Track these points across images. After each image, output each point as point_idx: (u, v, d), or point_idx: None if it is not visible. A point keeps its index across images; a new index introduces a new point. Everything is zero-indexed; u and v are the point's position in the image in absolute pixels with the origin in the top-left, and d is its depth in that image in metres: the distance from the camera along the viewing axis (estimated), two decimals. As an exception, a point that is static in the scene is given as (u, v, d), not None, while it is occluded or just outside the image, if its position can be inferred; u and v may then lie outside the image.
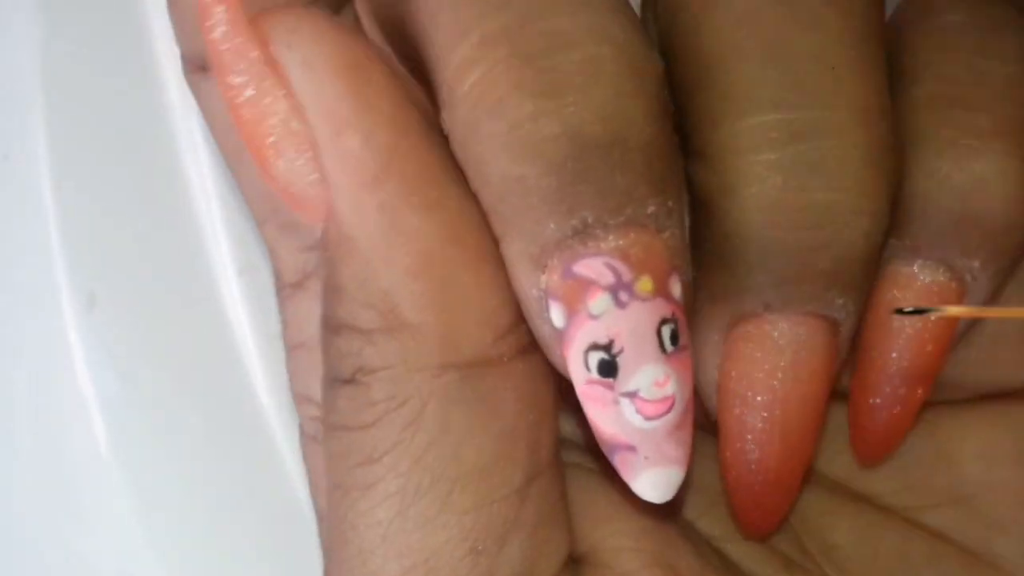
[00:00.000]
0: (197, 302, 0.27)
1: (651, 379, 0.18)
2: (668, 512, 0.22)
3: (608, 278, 0.18)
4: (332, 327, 0.19)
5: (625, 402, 0.18)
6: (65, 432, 0.27)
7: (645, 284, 0.18)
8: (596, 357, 0.18)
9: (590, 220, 0.18)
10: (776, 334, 0.20)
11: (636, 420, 0.18)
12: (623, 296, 0.18)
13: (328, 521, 0.19)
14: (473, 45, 0.18)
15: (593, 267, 0.18)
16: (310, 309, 0.23)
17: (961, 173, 0.20)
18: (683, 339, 0.18)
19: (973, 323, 0.22)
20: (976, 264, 0.21)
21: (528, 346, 0.19)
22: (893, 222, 0.20)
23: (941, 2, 0.22)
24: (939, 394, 0.23)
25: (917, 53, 0.21)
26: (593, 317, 0.18)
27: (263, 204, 0.23)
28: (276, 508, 0.27)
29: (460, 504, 0.18)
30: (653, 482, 0.18)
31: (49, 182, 0.26)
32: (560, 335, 0.18)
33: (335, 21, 0.18)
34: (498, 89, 0.17)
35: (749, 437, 0.21)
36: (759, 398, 0.21)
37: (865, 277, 0.20)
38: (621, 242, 0.18)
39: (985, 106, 0.20)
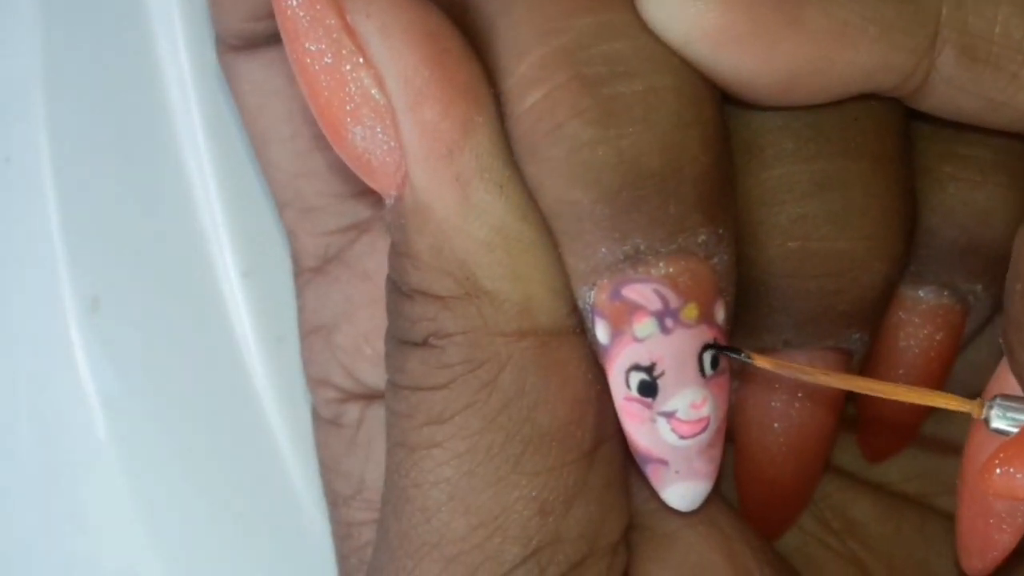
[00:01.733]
0: (200, 304, 0.27)
1: (689, 401, 0.18)
2: None
3: (656, 304, 0.18)
4: (404, 292, 0.19)
5: (662, 420, 0.18)
6: (67, 433, 0.27)
7: (691, 311, 0.18)
8: (637, 377, 0.18)
9: (642, 247, 0.18)
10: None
11: (671, 438, 0.19)
12: (669, 322, 0.18)
13: (389, 479, 0.20)
14: (533, 65, 0.18)
15: (642, 292, 0.18)
16: (329, 293, 0.23)
17: (965, 207, 0.21)
18: (723, 363, 0.19)
19: (978, 331, 0.23)
20: (979, 287, 0.22)
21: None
22: None
23: None
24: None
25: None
26: (638, 340, 0.18)
27: (286, 188, 0.23)
28: (276, 508, 0.27)
29: (531, 465, 0.19)
30: (681, 494, 0.19)
31: (52, 185, 0.26)
32: (604, 350, 0.19)
33: None
34: (558, 114, 0.18)
35: (765, 458, 0.22)
36: (776, 425, 0.22)
37: (881, 311, 0.21)
38: (671, 269, 0.18)
39: (985, 138, 0.21)
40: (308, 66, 0.18)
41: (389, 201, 0.19)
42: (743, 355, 0.19)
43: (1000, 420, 0.18)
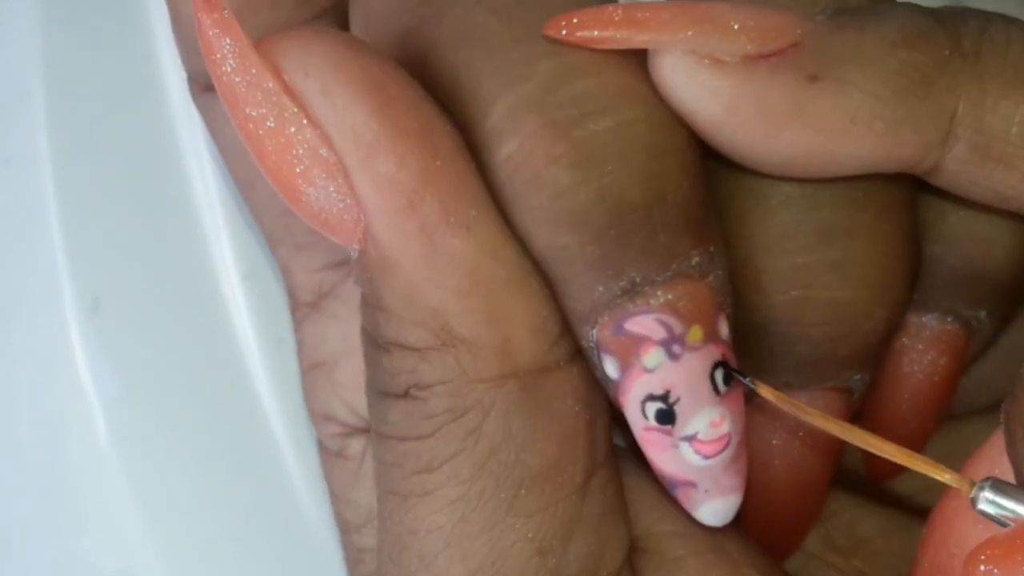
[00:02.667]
0: (200, 306, 0.27)
1: (708, 422, 0.18)
2: None
3: (660, 333, 0.18)
4: (380, 345, 0.19)
5: (684, 445, 0.18)
6: (67, 434, 0.27)
7: (696, 334, 0.18)
8: (654, 407, 0.18)
9: (638, 280, 0.18)
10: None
11: (695, 460, 0.19)
12: (676, 349, 0.18)
13: (383, 526, 0.19)
14: (501, 116, 0.18)
15: (644, 324, 0.18)
16: (326, 330, 0.23)
17: (967, 236, 0.21)
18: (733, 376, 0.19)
19: (983, 350, 0.23)
20: (983, 313, 0.22)
21: (580, 349, 0.19)
22: None
23: None
24: (957, 407, 0.24)
25: None
26: (648, 370, 0.18)
27: (276, 225, 0.23)
28: (277, 508, 0.27)
29: (525, 507, 0.18)
30: (713, 511, 0.19)
31: (52, 186, 0.26)
32: (615, 385, 0.19)
33: (347, 39, 0.18)
34: (534, 163, 0.17)
35: (767, 491, 0.22)
36: (776, 462, 0.22)
37: (883, 351, 0.21)
38: (670, 296, 0.18)
39: None
40: (252, 131, 0.18)
41: (353, 255, 0.18)
42: (749, 380, 0.19)
43: (989, 505, 0.17)
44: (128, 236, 0.27)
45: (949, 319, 0.22)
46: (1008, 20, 0.19)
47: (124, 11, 0.27)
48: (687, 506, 0.19)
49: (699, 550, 0.20)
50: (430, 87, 0.18)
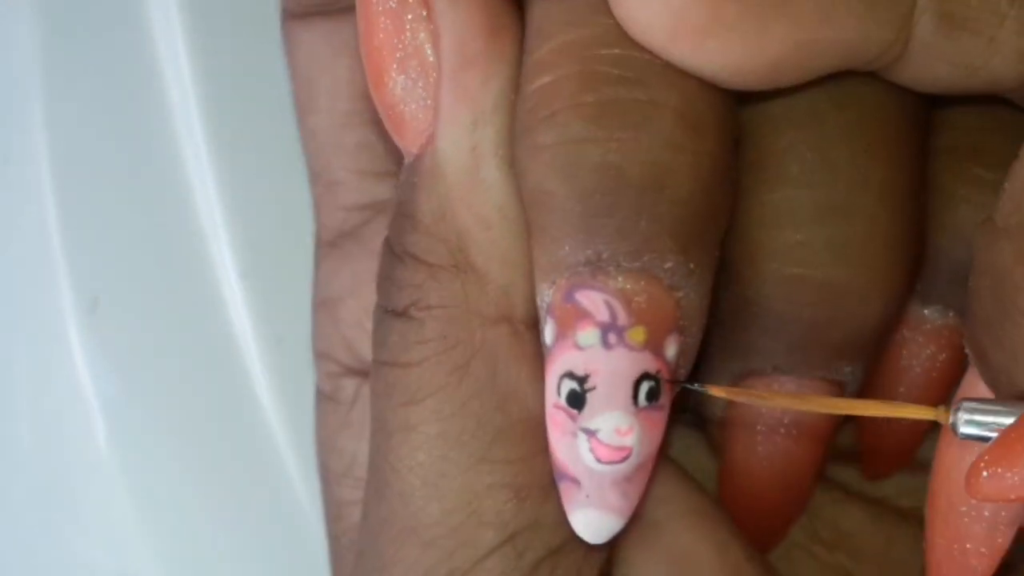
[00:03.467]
0: (199, 304, 0.27)
1: (613, 425, 0.18)
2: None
3: (603, 315, 0.18)
4: (397, 253, 0.19)
5: (583, 437, 0.18)
6: (66, 433, 0.27)
7: (637, 334, 0.18)
8: (569, 385, 0.18)
9: (604, 255, 0.18)
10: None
11: (587, 458, 0.18)
12: (611, 338, 0.18)
13: (372, 460, 0.19)
14: (550, 50, 0.18)
15: (593, 300, 0.18)
16: (340, 268, 0.24)
17: (974, 229, 0.20)
18: (662, 399, 0.18)
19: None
20: None
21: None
22: None
23: None
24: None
25: (937, 101, 0.21)
26: (578, 347, 0.18)
27: (317, 158, 0.24)
28: (276, 508, 0.27)
29: (503, 453, 0.18)
30: (587, 522, 0.18)
31: (50, 185, 0.26)
32: (547, 351, 0.18)
33: None
34: (556, 102, 0.18)
35: (749, 479, 0.22)
36: (760, 449, 0.21)
37: (877, 344, 0.20)
38: (628, 286, 0.18)
39: (999, 160, 0.20)
40: (372, 5, 0.18)
41: (408, 159, 0.19)
42: (697, 385, 0.18)
43: (969, 426, 0.17)
44: (126, 235, 0.27)
45: (951, 313, 0.21)
46: None
47: (123, 11, 0.27)
48: (565, 504, 0.18)
49: (678, 512, 0.20)
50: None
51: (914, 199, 0.20)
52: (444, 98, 0.18)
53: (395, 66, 0.19)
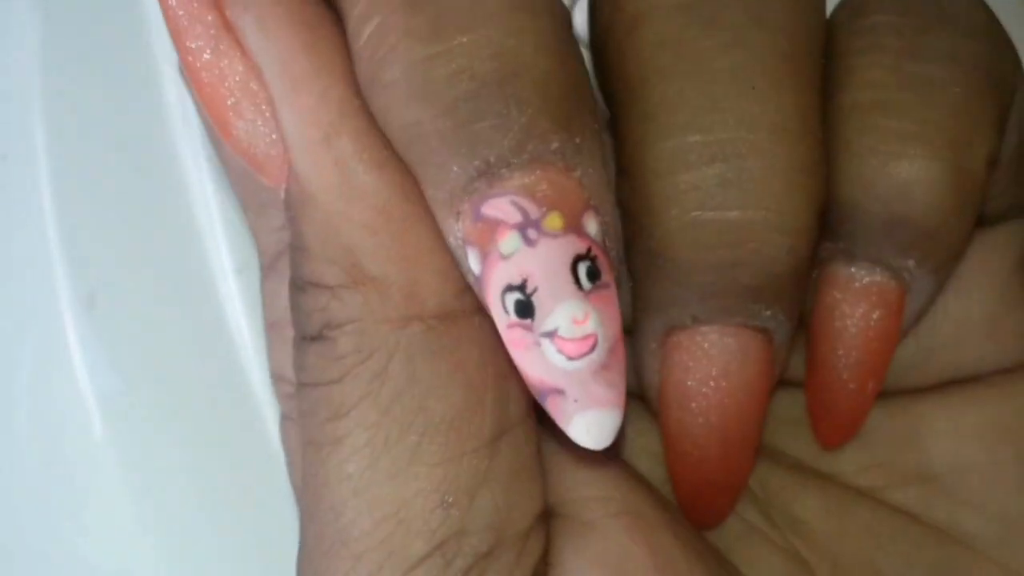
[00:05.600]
0: (195, 301, 0.27)
1: (568, 317, 0.18)
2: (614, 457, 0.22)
3: (515, 216, 0.18)
4: (299, 286, 0.19)
5: (546, 342, 0.18)
6: (64, 431, 0.26)
7: (553, 220, 0.18)
8: (512, 298, 0.18)
9: (492, 159, 0.18)
10: (706, 344, 0.21)
11: (559, 360, 0.18)
12: (531, 234, 0.18)
13: (305, 482, 0.19)
14: (366, 3, 0.18)
15: (500, 207, 0.18)
16: (280, 288, 0.23)
17: (885, 180, 0.20)
18: (605, 276, 0.18)
19: (922, 310, 0.23)
20: (911, 263, 0.21)
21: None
22: (826, 227, 0.21)
23: (871, 2, 0.22)
24: (906, 381, 0.24)
25: (845, 56, 0.21)
26: (504, 257, 0.18)
27: (242, 186, 0.23)
28: (275, 507, 0.27)
29: (429, 456, 0.18)
30: (586, 426, 0.18)
31: (48, 182, 0.26)
32: (479, 281, 0.18)
33: None
34: (390, 38, 0.18)
35: (688, 440, 0.21)
36: (693, 404, 0.21)
37: (794, 288, 0.20)
38: (527, 180, 0.18)
39: (907, 111, 0.20)
40: (191, 63, 0.19)
41: (280, 195, 0.19)
42: None
43: None
44: (123, 232, 0.27)
45: (878, 270, 0.21)
46: None
47: (122, 11, 0.27)
48: (560, 422, 0.18)
49: (615, 513, 0.20)
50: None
51: (810, 137, 0.20)
52: (286, 125, 0.18)
53: (231, 114, 0.19)
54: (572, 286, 0.18)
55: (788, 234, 0.19)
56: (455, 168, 0.18)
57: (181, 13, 0.18)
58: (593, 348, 0.18)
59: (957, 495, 0.24)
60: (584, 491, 0.20)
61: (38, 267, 0.26)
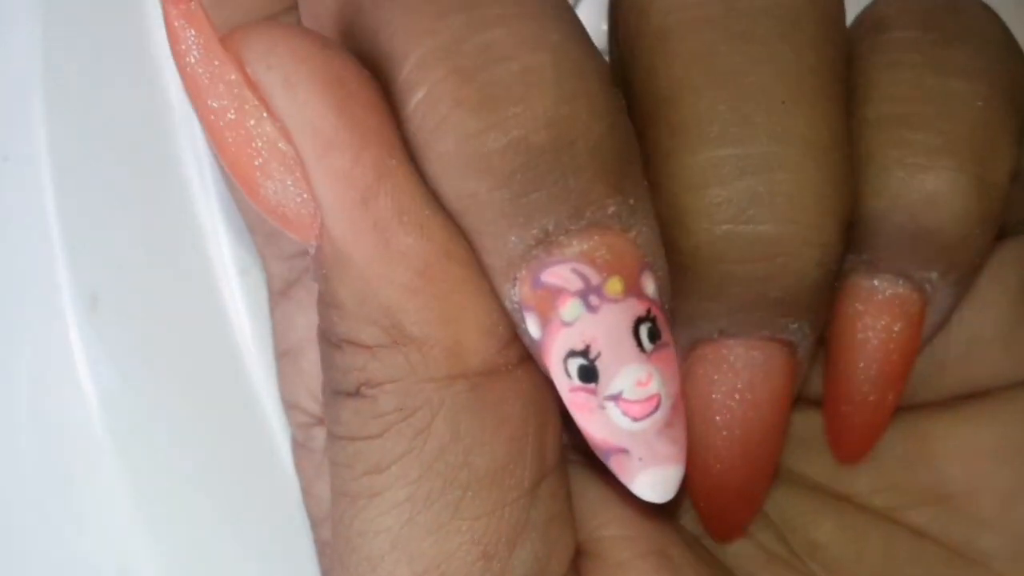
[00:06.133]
0: (198, 302, 0.27)
1: (633, 380, 0.18)
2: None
3: (576, 283, 0.18)
4: (333, 343, 0.19)
5: (610, 405, 0.18)
6: (65, 431, 0.27)
7: (614, 285, 0.18)
8: (575, 363, 0.18)
9: (551, 228, 0.18)
10: (732, 358, 0.21)
11: (624, 422, 0.18)
12: (593, 300, 0.18)
13: (335, 528, 0.19)
14: (412, 68, 0.18)
15: (560, 274, 0.18)
16: (294, 317, 0.23)
17: (910, 192, 0.20)
18: (664, 336, 0.18)
19: (941, 322, 0.23)
20: (934, 275, 0.21)
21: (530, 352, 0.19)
22: (849, 240, 0.20)
23: (892, 17, 0.22)
24: (919, 396, 0.24)
25: (867, 71, 0.21)
26: (567, 324, 0.18)
27: (249, 211, 0.23)
28: (276, 507, 0.27)
29: (471, 510, 0.18)
30: (651, 483, 0.18)
31: (50, 183, 0.26)
32: (539, 345, 0.18)
33: (311, 35, 0.18)
34: (440, 108, 0.17)
35: (711, 453, 0.21)
36: (717, 418, 0.21)
37: (820, 301, 0.20)
38: (585, 246, 0.18)
39: (932, 124, 0.20)
40: (213, 123, 0.18)
41: (311, 251, 0.18)
42: None
43: None
44: (126, 233, 0.27)
45: (900, 281, 0.21)
46: None
47: (124, 12, 0.27)
48: (623, 478, 0.18)
49: (642, 553, 0.20)
50: (359, 53, 0.18)
51: (838, 151, 0.20)
52: (319, 188, 0.18)
53: (258, 175, 0.18)
54: (635, 349, 0.18)
55: (818, 247, 0.19)
56: (513, 239, 0.18)
57: (201, 71, 0.18)
58: (657, 408, 0.18)
59: (972, 514, 0.24)
60: (612, 530, 0.21)
61: (40, 268, 0.26)
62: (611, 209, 0.18)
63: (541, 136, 0.17)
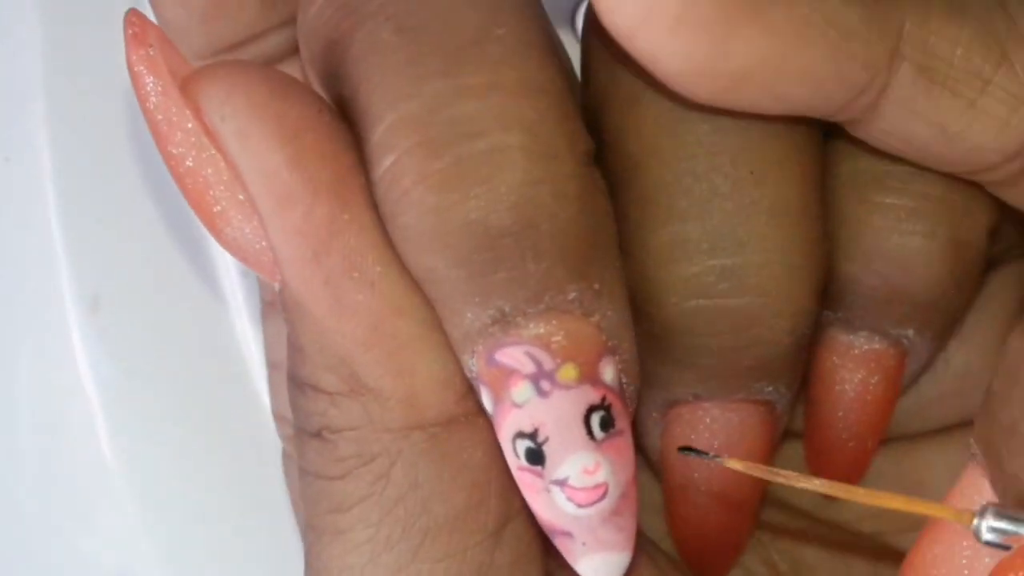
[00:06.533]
0: (200, 303, 0.27)
1: (580, 467, 0.17)
2: None
3: (529, 367, 0.17)
4: (297, 384, 0.19)
5: (555, 490, 0.18)
6: (68, 432, 0.27)
7: (568, 372, 0.17)
8: (523, 445, 0.18)
9: (507, 309, 0.17)
10: (708, 419, 0.21)
11: (568, 507, 0.18)
12: (545, 385, 0.17)
13: (306, 559, 0.19)
14: (384, 132, 0.17)
15: (514, 356, 0.17)
16: (282, 329, 0.23)
17: (882, 256, 0.20)
18: (618, 424, 0.18)
19: (922, 369, 0.22)
20: (910, 332, 0.21)
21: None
22: (824, 297, 0.20)
23: None
24: (911, 427, 0.23)
25: (834, 130, 0.20)
26: (517, 405, 0.17)
27: None
28: (276, 508, 0.27)
29: (432, 553, 0.18)
30: (594, 567, 0.18)
31: (52, 184, 0.26)
32: (492, 419, 0.18)
33: (270, 80, 0.18)
34: (404, 181, 0.17)
35: (690, 506, 0.21)
36: (696, 475, 0.21)
37: (796, 362, 0.20)
38: (542, 330, 0.17)
39: (906, 184, 0.20)
40: (174, 167, 0.18)
41: (277, 290, 0.18)
42: (711, 456, 0.18)
43: (991, 533, 0.17)
44: (128, 234, 0.27)
45: (877, 338, 0.21)
46: None
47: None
48: (568, 558, 0.18)
49: None
50: (341, 103, 0.18)
51: (808, 218, 0.19)
52: (274, 240, 0.17)
53: (219, 220, 0.18)
54: (584, 438, 0.17)
55: (789, 318, 0.19)
56: (469, 315, 0.17)
57: (160, 118, 0.18)
58: (603, 496, 0.18)
59: None
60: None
61: (42, 269, 0.26)
62: (572, 295, 0.17)
63: (503, 218, 0.17)
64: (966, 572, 0.19)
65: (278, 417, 0.24)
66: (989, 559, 0.18)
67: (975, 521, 0.17)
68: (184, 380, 0.27)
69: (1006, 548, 0.17)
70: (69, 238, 0.26)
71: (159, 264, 0.27)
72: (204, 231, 0.27)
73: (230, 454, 0.27)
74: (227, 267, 0.27)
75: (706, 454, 0.18)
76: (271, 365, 0.24)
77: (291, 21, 0.20)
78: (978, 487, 0.18)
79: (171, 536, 0.27)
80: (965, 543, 0.18)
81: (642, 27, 0.17)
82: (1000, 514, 0.17)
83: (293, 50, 0.20)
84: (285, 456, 0.24)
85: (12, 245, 0.27)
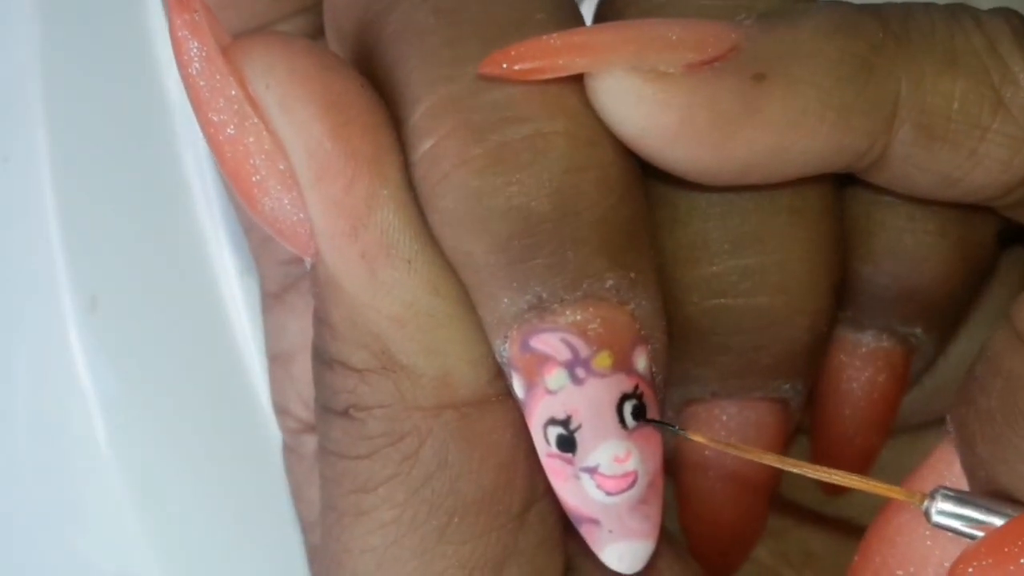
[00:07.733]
0: (198, 303, 0.27)
1: (611, 455, 0.18)
2: None
3: (565, 354, 0.17)
4: (325, 361, 0.19)
5: (585, 477, 0.18)
6: (66, 432, 0.27)
7: (603, 360, 0.17)
8: (555, 432, 0.18)
9: (544, 296, 0.17)
10: (725, 417, 0.21)
11: (597, 495, 0.18)
12: (580, 372, 0.17)
13: (324, 539, 0.19)
14: (424, 114, 0.17)
15: (549, 342, 0.17)
16: (286, 322, 0.23)
17: (894, 255, 0.20)
18: (650, 412, 0.18)
19: (927, 366, 0.23)
20: (919, 330, 0.21)
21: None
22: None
23: None
24: (910, 420, 0.24)
25: None
26: (551, 392, 0.18)
27: (246, 216, 0.23)
28: (276, 508, 0.27)
29: (458, 535, 0.18)
30: (619, 555, 0.18)
31: (50, 184, 0.26)
32: (523, 404, 0.18)
33: (313, 52, 0.18)
34: (445, 164, 0.17)
35: (703, 504, 0.22)
36: (711, 472, 0.21)
37: (812, 360, 0.20)
38: (578, 317, 0.17)
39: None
40: (213, 135, 0.18)
41: (307, 266, 0.18)
42: (675, 429, 0.18)
43: (942, 516, 0.17)
44: (126, 234, 0.27)
45: (885, 336, 0.21)
46: (926, 4, 0.19)
47: (123, 10, 0.27)
48: (592, 545, 0.18)
49: None
50: (375, 83, 0.18)
51: (827, 218, 0.20)
52: (312, 212, 0.17)
53: (256, 191, 0.18)
54: (616, 426, 0.18)
55: (810, 315, 0.19)
56: (506, 300, 0.17)
57: (202, 84, 0.17)
58: (632, 485, 0.18)
59: None
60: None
61: (40, 269, 0.26)
62: (609, 283, 0.17)
63: (544, 205, 0.17)
64: (919, 552, 0.19)
65: (279, 410, 0.24)
66: (939, 550, 0.18)
67: (926, 503, 0.17)
68: (182, 380, 0.27)
69: (957, 532, 0.17)
70: (67, 238, 0.26)
71: (157, 264, 0.27)
72: (204, 231, 0.27)
73: (229, 453, 0.27)
74: (226, 267, 0.27)
75: (672, 426, 0.18)
76: (272, 358, 0.24)
77: (302, 10, 0.20)
78: (948, 463, 0.19)
79: (169, 535, 0.27)
80: (921, 526, 0.19)
81: (643, 139, 0.17)
82: (950, 497, 0.17)
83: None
84: (285, 450, 0.24)
85: (10, 245, 0.27)
